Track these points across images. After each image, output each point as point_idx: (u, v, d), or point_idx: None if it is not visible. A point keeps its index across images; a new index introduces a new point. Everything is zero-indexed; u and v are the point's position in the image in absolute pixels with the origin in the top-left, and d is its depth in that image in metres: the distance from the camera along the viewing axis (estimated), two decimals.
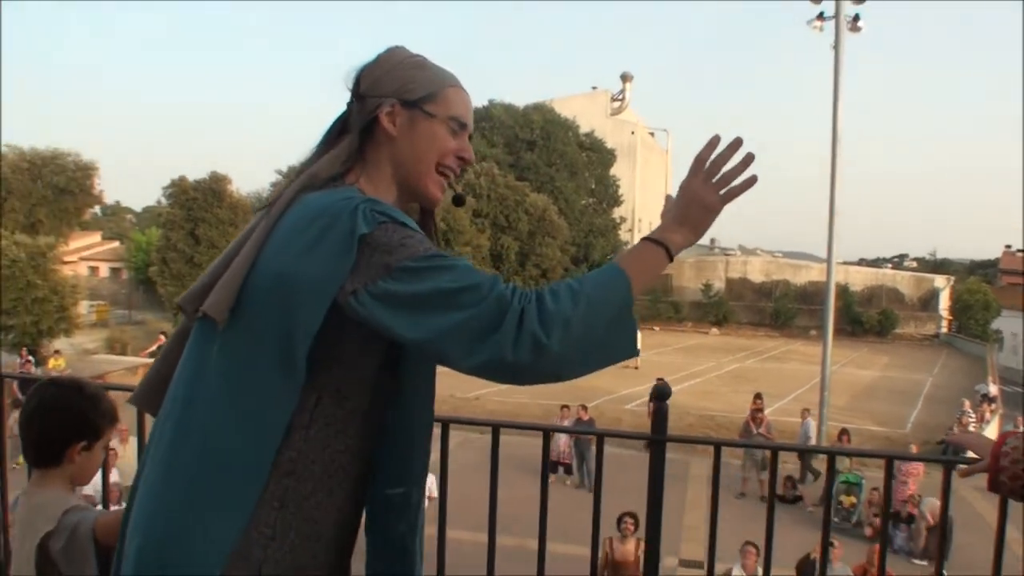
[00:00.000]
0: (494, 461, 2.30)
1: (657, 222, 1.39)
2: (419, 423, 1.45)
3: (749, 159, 1.35)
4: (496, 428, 2.32)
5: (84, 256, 44.98)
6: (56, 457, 1.83)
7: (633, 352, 1.26)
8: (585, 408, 14.29)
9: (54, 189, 34.19)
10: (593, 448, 2.61)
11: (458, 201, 1.48)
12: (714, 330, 45.07)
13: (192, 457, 1.25)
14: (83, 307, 27.90)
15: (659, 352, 34.80)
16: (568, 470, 14.00)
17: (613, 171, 49.51)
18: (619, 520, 8.07)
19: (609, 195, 48.99)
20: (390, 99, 1.36)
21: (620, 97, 61.51)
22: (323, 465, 1.31)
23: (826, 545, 2.40)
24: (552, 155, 44.76)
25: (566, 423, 13.26)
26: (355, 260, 1.20)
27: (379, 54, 1.41)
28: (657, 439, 2.16)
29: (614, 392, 22.96)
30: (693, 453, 13.62)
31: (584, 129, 48.27)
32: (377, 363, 1.35)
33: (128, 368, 23.03)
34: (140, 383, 1.53)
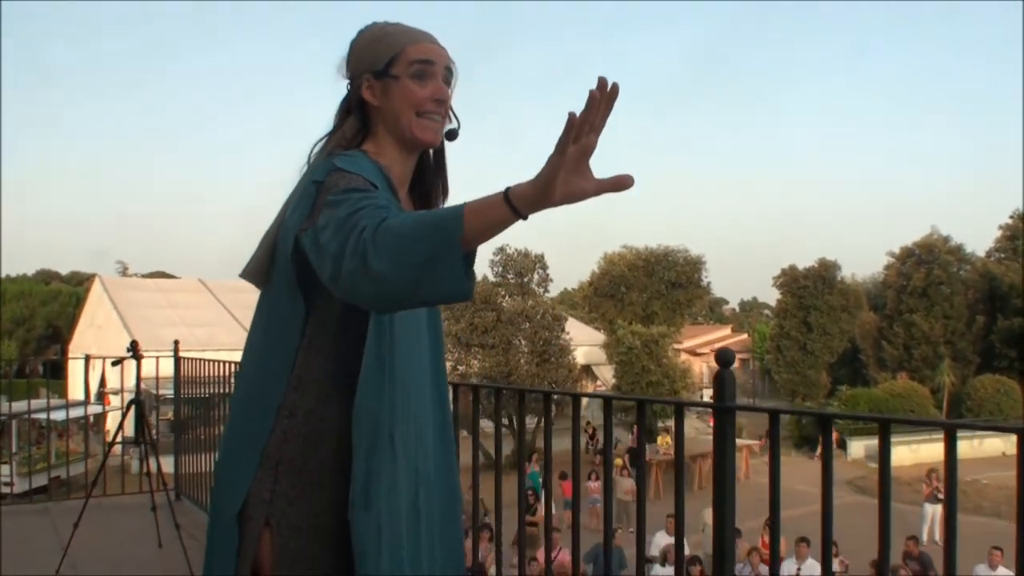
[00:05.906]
0: None
1: None
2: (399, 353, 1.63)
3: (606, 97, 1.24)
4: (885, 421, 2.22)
5: (715, 348, 48.45)
6: None
7: (456, 288, 1.30)
8: None
9: (666, 283, 37.30)
10: None
11: (450, 136, 1.73)
12: None
13: (246, 369, 1.73)
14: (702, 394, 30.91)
15: None
16: None
17: None
18: None
19: None
20: (366, 75, 1.66)
21: None
22: (320, 383, 1.62)
23: None
24: None
25: None
26: (312, 204, 1.49)
27: (353, 38, 1.70)
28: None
29: None
30: None
31: None
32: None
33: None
34: None
